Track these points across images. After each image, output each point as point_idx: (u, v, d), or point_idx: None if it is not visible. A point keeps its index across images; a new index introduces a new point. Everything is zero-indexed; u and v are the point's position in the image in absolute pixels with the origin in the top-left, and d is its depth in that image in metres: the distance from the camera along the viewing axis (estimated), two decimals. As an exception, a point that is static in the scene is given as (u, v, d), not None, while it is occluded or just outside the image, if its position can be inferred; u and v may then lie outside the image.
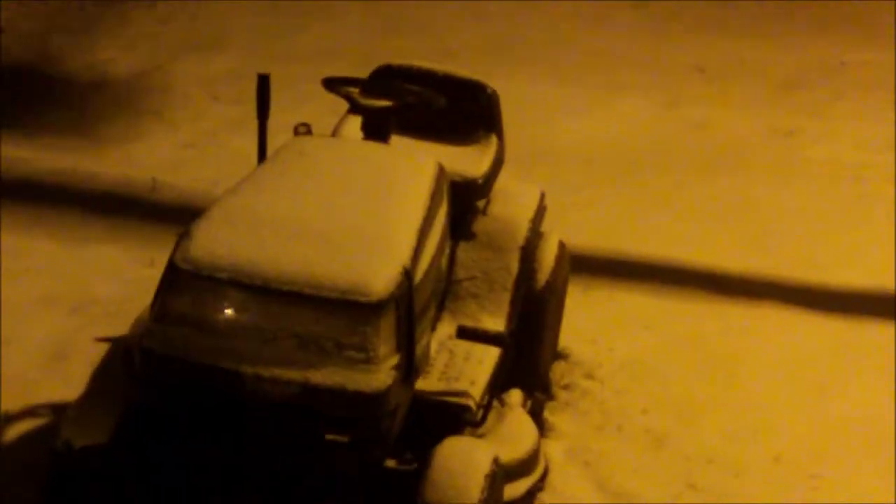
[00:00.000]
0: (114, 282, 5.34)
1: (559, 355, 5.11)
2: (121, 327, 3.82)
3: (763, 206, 6.74)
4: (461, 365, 4.09)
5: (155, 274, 3.65)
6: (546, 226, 4.83)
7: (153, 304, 3.58)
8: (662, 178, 6.94)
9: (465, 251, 4.44)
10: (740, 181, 6.99)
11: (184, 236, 3.63)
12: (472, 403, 3.93)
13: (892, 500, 4.54)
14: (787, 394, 5.13)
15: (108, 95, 7.22)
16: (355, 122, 4.35)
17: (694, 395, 5.05)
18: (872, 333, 5.64)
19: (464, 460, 3.68)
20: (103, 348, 3.96)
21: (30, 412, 4.43)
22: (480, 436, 4.06)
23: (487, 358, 4.17)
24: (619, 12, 9.21)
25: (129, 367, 3.64)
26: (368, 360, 3.51)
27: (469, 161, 4.49)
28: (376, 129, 4.21)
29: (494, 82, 4.75)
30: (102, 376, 3.88)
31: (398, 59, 4.74)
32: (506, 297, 4.39)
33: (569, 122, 7.47)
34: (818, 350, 5.48)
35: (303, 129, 4.30)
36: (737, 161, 7.23)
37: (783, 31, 9.19)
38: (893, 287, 6.00)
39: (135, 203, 6.11)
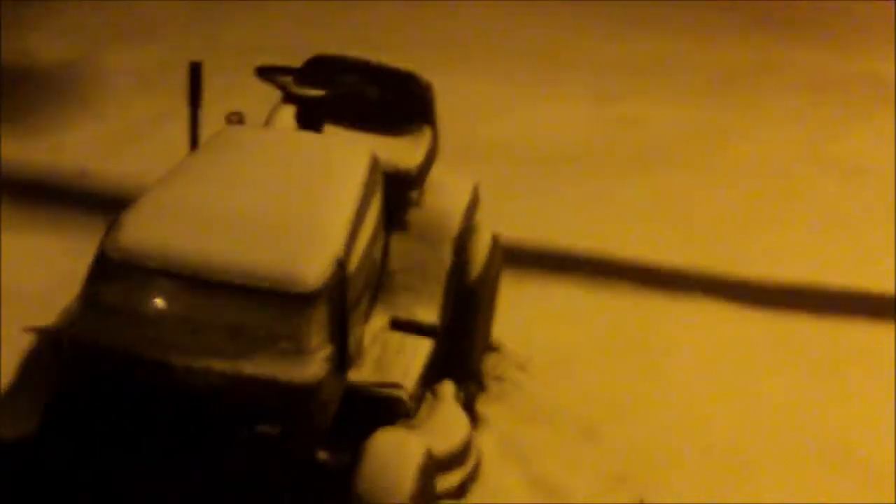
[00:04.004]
0: (42, 271, 5.27)
1: (492, 347, 5.12)
2: (49, 317, 3.76)
3: (692, 201, 6.80)
4: (394, 356, 4.09)
5: (84, 264, 3.60)
6: (479, 219, 4.84)
7: (82, 293, 3.53)
8: (593, 174, 6.98)
9: (398, 242, 4.43)
10: (669, 177, 7.05)
11: (113, 225, 3.59)
12: (404, 395, 3.92)
13: (818, 490, 4.61)
14: (716, 386, 5.18)
15: (36, 84, 7.11)
16: (288, 112, 4.32)
17: (624, 387, 5.09)
18: (797, 326, 5.73)
19: (396, 453, 3.67)
20: (31, 339, 3.89)
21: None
22: (413, 427, 4.05)
23: (420, 350, 4.16)
24: (552, 9, 9.25)
25: (57, 356, 3.58)
26: (300, 351, 3.48)
27: (403, 152, 4.48)
28: (309, 119, 4.19)
29: (428, 77, 4.74)
30: (30, 367, 3.81)
31: (331, 51, 4.71)
32: (439, 289, 4.38)
33: (502, 117, 7.49)
34: (745, 343, 5.55)
35: (235, 118, 4.27)
36: (666, 157, 7.29)
37: (714, 29, 9.29)
38: (816, 281, 6.09)
39: (64, 192, 6.03)
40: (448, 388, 4.46)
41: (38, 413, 3.60)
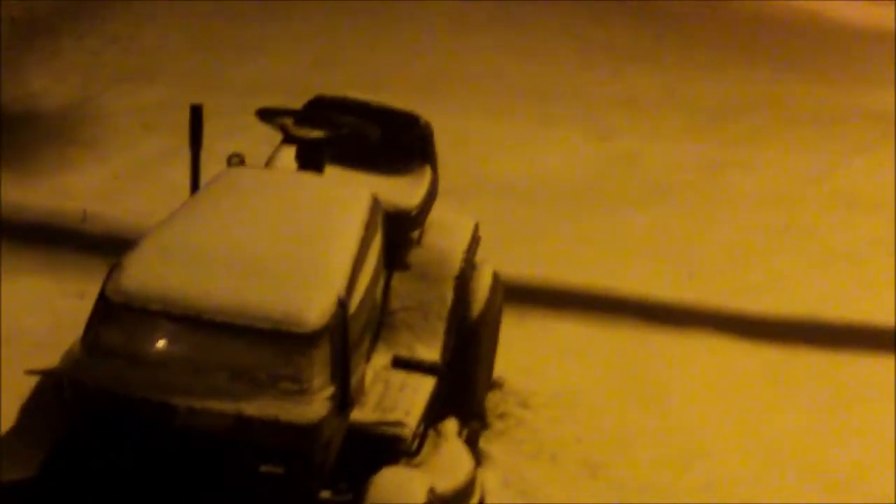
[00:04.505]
0: (44, 314, 5.27)
1: (494, 384, 5.12)
2: (50, 360, 3.77)
3: (693, 236, 6.82)
4: (396, 395, 4.09)
5: (85, 306, 3.62)
6: (480, 256, 4.86)
7: (84, 336, 3.54)
8: (595, 210, 7.00)
9: (399, 281, 4.44)
10: (670, 212, 7.08)
11: (115, 267, 3.60)
12: (407, 433, 3.92)
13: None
14: (718, 421, 5.18)
15: (38, 126, 7.15)
16: (289, 153, 4.35)
17: (626, 423, 5.09)
18: (799, 360, 5.73)
19: (399, 491, 3.66)
20: (33, 381, 3.90)
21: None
22: (416, 466, 4.05)
23: (422, 388, 4.16)
24: (550, 45, 9.30)
25: (60, 399, 3.59)
26: (303, 392, 3.49)
27: (403, 192, 4.50)
28: (310, 160, 4.21)
29: (428, 116, 4.78)
30: (32, 410, 3.82)
31: (331, 91, 4.75)
32: (440, 327, 4.39)
33: (502, 154, 7.52)
34: (747, 377, 5.55)
35: (236, 160, 4.29)
36: (666, 192, 7.32)
37: (713, 64, 9.34)
38: (819, 314, 6.10)
39: (65, 234, 6.05)
40: (451, 426, 4.46)
41: (41, 456, 3.60)
